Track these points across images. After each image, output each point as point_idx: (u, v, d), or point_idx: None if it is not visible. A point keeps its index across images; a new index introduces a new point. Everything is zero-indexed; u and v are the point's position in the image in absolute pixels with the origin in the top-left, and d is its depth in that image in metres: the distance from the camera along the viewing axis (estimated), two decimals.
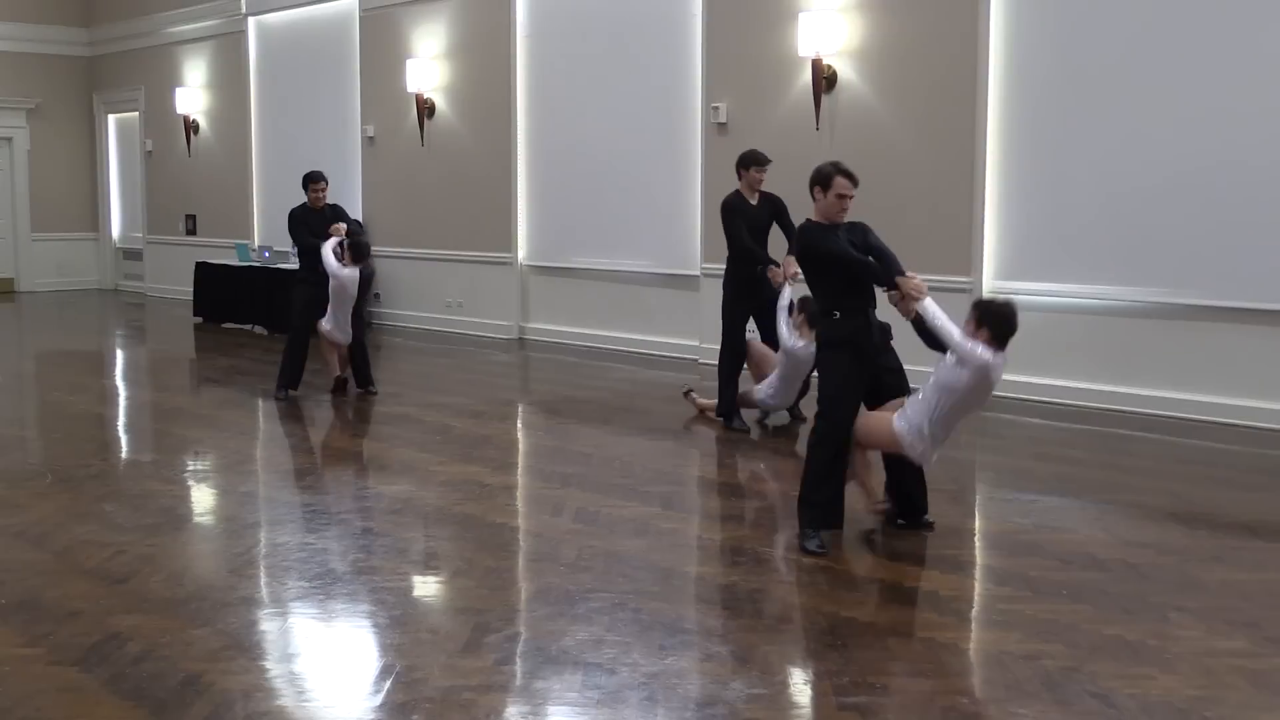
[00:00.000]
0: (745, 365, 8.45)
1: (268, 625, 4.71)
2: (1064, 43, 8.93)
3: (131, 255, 19.58)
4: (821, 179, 5.69)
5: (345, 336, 9.44)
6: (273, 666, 4.28)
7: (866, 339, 5.66)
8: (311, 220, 9.48)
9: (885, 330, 5.84)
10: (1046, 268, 8.82)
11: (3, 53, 18.66)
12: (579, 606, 4.81)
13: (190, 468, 7.57)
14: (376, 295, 14.40)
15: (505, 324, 13.18)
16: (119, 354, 13.65)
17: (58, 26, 19.23)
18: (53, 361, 12.77)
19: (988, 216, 9.31)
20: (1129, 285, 8.69)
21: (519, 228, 13.13)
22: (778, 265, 7.94)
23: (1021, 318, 5.38)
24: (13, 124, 18.95)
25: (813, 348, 6.59)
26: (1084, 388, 8.88)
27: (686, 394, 8.93)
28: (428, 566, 5.50)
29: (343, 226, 9.39)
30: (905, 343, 6.02)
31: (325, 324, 9.38)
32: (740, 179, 8.25)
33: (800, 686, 4.23)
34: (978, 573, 5.38)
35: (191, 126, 17.52)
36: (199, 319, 15.31)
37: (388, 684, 4.08)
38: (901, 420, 5.48)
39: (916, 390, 5.56)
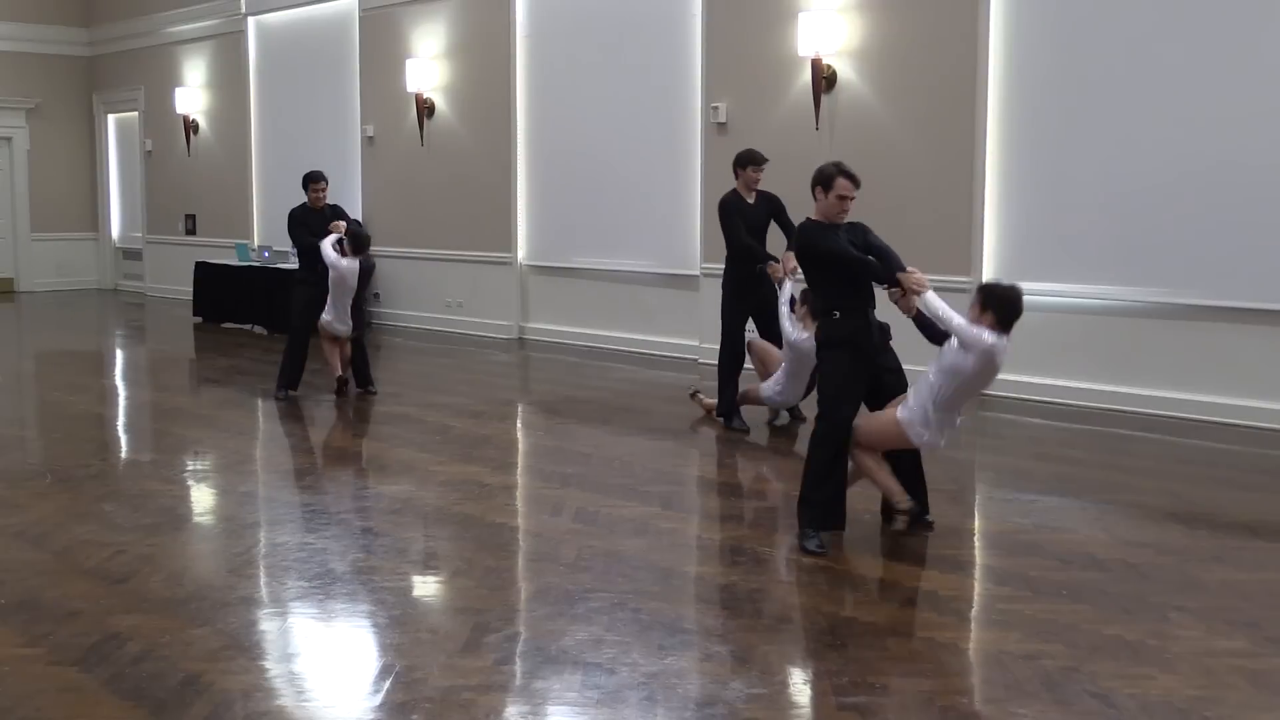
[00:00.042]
0: (751, 365, 8.44)
1: (267, 625, 4.71)
2: (1064, 42, 8.93)
3: (131, 255, 19.58)
4: (823, 179, 5.69)
5: (345, 328, 9.40)
6: (272, 666, 4.28)
7: (866, 338, 5.66)
8: (311, 220, 9.47)
9: (885, 330, 5.85)
10: (1046, 267, 8.82)
11: (2, 52, 18.66)
12: (578, 606, 4.81)
13: (190, 468, 7.57)
14: (376, 295, 14.40)
15: (505, 324, 13.18)
16: (119, 354, 13.65)
17: (57, 26, 19.23)
18: (52, 361, 12.77)
19: (987, 216, 9.31)
20: (1129, 285, 8.69)
21: (519, 227, 13.13)
22: (777, 261, 7.93)
23: (1025, 302, 5.39)
24: (12, 124, 18.95)
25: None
26: (1084, 388, 8.88)
27: (693, 395, 8.91)
28: (427, 566, 5.50)
29: (342, 225, 9.39)
30: (905, 343, 6.03)
31: (325, 315, 9.36)
32: (737, 178, 8.25)
33: (800, 686, 4.23)
34: (977, 573, 5.38)
35: (191, 126, 17.52)
36: (199, 319, 15.31)
37: (387, 684, 4.08)
38: (904, 410, 5.48)
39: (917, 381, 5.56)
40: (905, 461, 5.73)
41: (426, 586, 5.26)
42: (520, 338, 13.07)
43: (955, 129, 9.40)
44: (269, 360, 11.04)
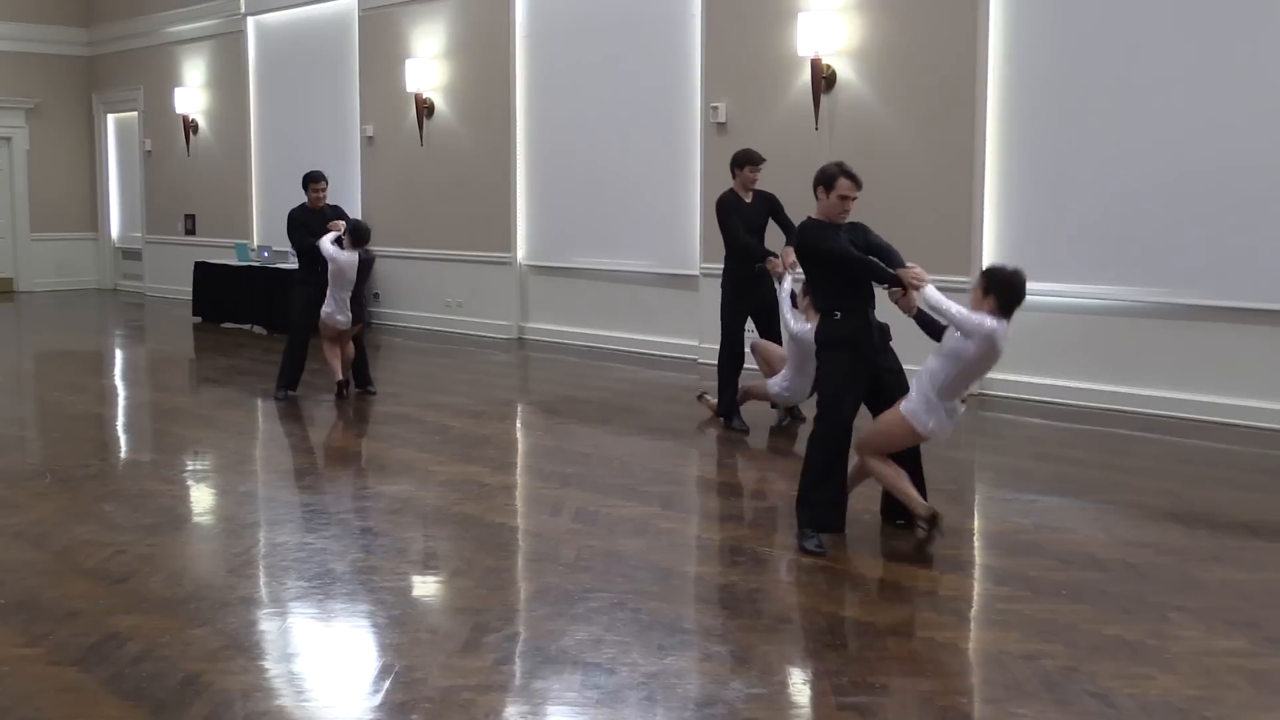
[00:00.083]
0: (755, 365, 8.42)
1: (267, 625, 4.71)
2: (1063, 43, 8.93)
3: (131, 255, 19.58)
4: (825, 179, 5.69)
5: (345, 318, 9.33)
6: (272, 666, 4.28)
7: (866, 339, 5.65)
8: (311, 221, 9.46)
9: (884, 331, 5.85)
10: (1046, 268, 8.81)
11: (2, 52, 18.66)
12: (578, 606, 4.81)
13: (189, 467, 7.57)
14: (376, 295, 14.40)
15: (505, 324, 13.18)
16: (118, 354, 13.64)
17: (57, 26, 19.23)
18: (52, 361, 12.76)
19: (987, 216, 9.31)
20: (1129, 285, 8.69)
21: (518, 227, 13.13)
22: (776, 257, 7.93)
23: (1027, 302, 5.39)
24: (12, 124, 18.95)
25: None
26: (1084, 388, 8.88)
27: (700, 397, 8.87)
28: (427, 566, 5.50)
29: (341, 224, 9.38)
30: (905, 343, 6.03)
31: (325, 308, 9.32)
32: (734, 178, 8.25)
33: (799, 686, 4.23)
34: (977, 572, 5.38)
35: (191, 126, 17.52)
36: (198, 319, 15.31)
37: (387, 684, 4.08)
38: (906, 402, 5.48)
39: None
40: (906, 463, 5.72)
41: (426, 586, 5.26)
42: (520, 338, 13.07)
43: (955, 129, 9.40)
44: (268, 360, 11.04)
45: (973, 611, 4.93)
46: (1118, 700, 3.93)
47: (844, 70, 10.06)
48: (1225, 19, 8.20)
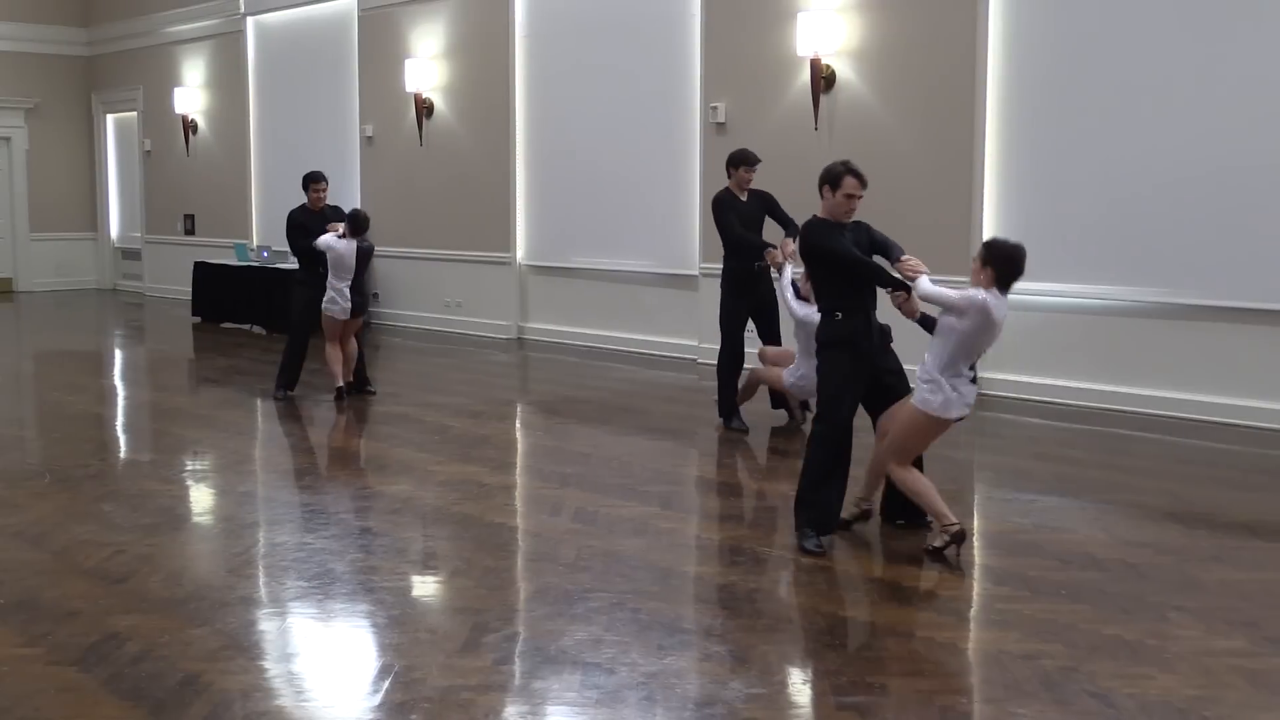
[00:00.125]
0: (762, 364, 8.40)
1: (266, 625, 4.71)
2: (1063, 43, 8.93)
3: (130, 255, 19.57)
4: (831, 178, 5.69)
5: (344, 308, 9.25)
6: (271, 666, 4.28)
7: (866, 339, 5.65)
8: (311, 222, 9.44)
9: (885, 332, 5.84)
10: (1046, 268, 8.79)
11: (2, 52, 18.65)
12: (577, 606, 4.81)
13: (189, 468, 7.56)
14: (375, 295, 14.39)
15: (504, 324, 13.18)
16: (117, 354, 13.64)
17: (56, 26, 19.22)
18: (51, 361, 12.76)
19: (986, 216, 9.31)
20: (1129, 285, 8.69)
21: (518, 227, 13.13)
22: (774, 247, 7.93)
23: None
24: (11, 124, 18.94)
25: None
26: (1084, 388, 8.88)
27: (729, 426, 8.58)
28: (426, 566, 5.50)
29: (340, 226, 9.35)
30: (906, 344, 6.03)
31: (325, 299, 9.25)
32: (730, 178, 8.26)
33: (799, 686, 4.23)
34: (976, 572, 5.38)
35: (190, 126, 17.52)
36: (197, 319, 15.31)
37: (386, 684, 4.08)
38: (916, 393, 5.45)
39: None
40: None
41: (425, 586, 5.26)
42: (519, 338, 13.06)
43: (955, 129, 9.40)
44: (268, 360, 11.04)
45: (972, 611, 4.93)
46: (1117, 700, 3.93)
47: (843, 70, 10.06)
48: (1225, 19, 8.19)
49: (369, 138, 14.59)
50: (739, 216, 8.12)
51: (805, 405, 8.33)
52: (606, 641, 4.44)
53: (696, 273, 11.24)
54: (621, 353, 11.86)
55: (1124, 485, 6.78)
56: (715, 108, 10.95)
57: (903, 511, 5.84)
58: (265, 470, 7.61)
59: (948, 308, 5.34)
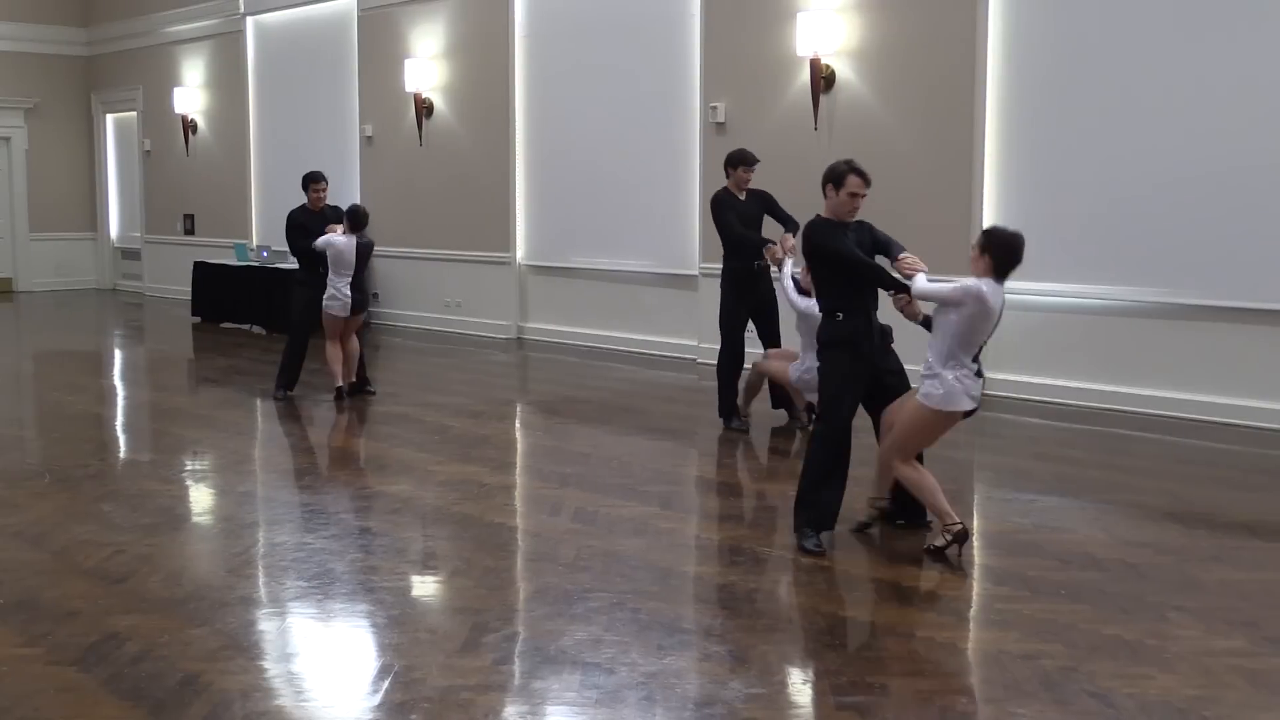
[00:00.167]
0: (765, 366, 8.39)
1: (266, 625, 4.70)
2: (1063, 43, 8.93)
3: (130, 255, 19.57)
4: (835, 177, 5.69)
5: (344, 303, 9.23)
6: (271, 666, 4.28)
7: (867, 340, 5.64)
8: (311, 223, 9.44)
9: (886, 333, 5.84)
10: (1046, 268, 8.80)
11: (1, 52, 18.65)
12: (577, 606, 4.81)
13: (188, 467, 7.56)
14: (375, 295, 14.39)
15: (504, 324, 13.18)
16: (117, 354, 13.64)
17: (56, 26, 19.22)
18: (51, 361, 12.75)
19: (986, 216, 9.29)
20: (1129, 285, 8.69)
21: (517, 227, 13.13)
22: (774, 243, 7.93)
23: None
24: (11, 124, 18.94)
25: None
26: (1084, 388, 8.88)
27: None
28: (426, 566, 5.50)
29: (339, 228, 9.35)
30: (907, 344, 6.03)
31: (325, 297, 9.23)
32: (729, 177, 8.26)
33: (798, 686, 4.23)
34: (976, 572, 5.37)
35: (190, 126, 17.52)
36: (197, 319, 15.30)
37: (386, 684, 4.08)
38: (920, 391, 5.44)
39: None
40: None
41: (425, 586, 5.26)
42: (519, 338, 13.06)
43: (954, 129, 9.40)
44: (268, 360, 11.04)
45: (972, 611, 4.93)
46: (1117, 700, 3.93)
47: (843, 70, 10.06)
48: (1225, 19, 8.19)
49: (369, 138, 14.59)
50: (738, 216, 8.12)
51: (810, 408, 8.34)
52: (606, 641, 4.44)
53: (696, 273, 11.24)
54: (621, 353, 11.86)
55: (1124, 485, 6.78)
56: (715, 108, 10.95)
57: (903, 511, 5.84)
58: (265, 470, 7.61)
59: (944, 303, 5.33)
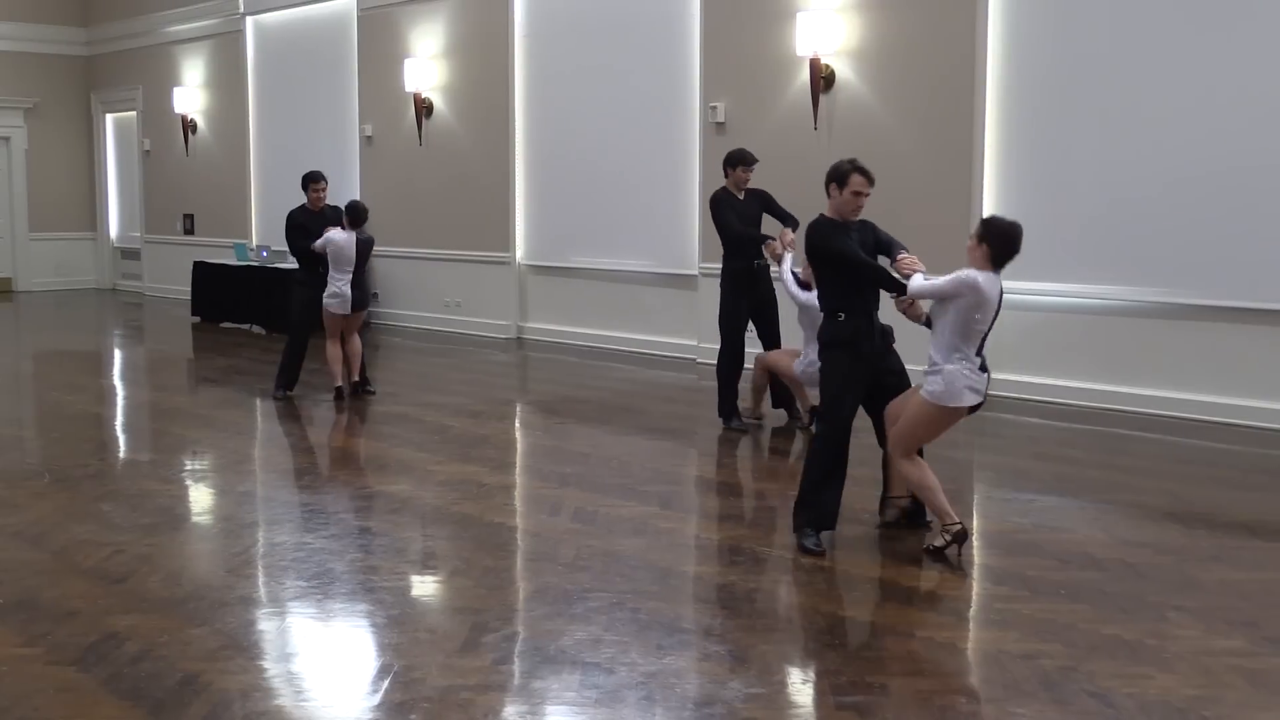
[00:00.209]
0: (767, 369, 8.39)
1: (266, 625, 4.70)
2: (1063, 43, 8.93)
3: (129, 255, 19.57)
4: (838, 176, 5.69)
5: (344, 300, 9.22)
6: (271, 666, 4.28)
7: (868, 340, 5.64)
8: (310, 223, 9.43)
9: (887, 333, 5.84)
10: (1046, 268, 8.81)
11: (1, 52, 18.64)
12: (577, 606, 4.80)
13: (188, 467, 7.56)
14: (375, 294, 14.39)
15: (503, 324, 13.18)
16: (117, 354, 13.64)
17: (56, 26, 19.22)
18: (51, 361, 12.75)
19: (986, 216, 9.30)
20: (1129, 285, 8.69)
21: (517, 227, 13.13)
22: (773, 239, 7.93)
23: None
24: (10, 123, 18.94)
25: None
26: (1084, 388, 8.88)
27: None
28: (426, 566, 5.50)
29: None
30: (908, 345, 6.03)
31: (325, 294, 9.22)
32: (727, 177, 8.26)
33: (798, 686, 4.23)
34: (976, 572, 5.37)
35: (189, 126, 17.52)
36: (197, 319, 15.30)
37: (386, 683, 4.08)
38: (924, 388, 5.43)
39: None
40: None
41: (425, 586, 5.26)
42: (519, 337, 13.06)
43: (954, 129, 9.40)
44: (267, 360, 11.04)
45: (971, 611, 4.93)
46: (1116, 700, 3.93)
47: (843, 70, 10.06)
48: (1225, 19, 8.19)
49: (368, 137, 14.59)
50: (737, 215, 8.13)
51: (812, 410, 8.33)
52: (606, 641, 4.44)
53: (696, 272, 11.24)
54: (621, 353, 11.86)
55: (1124, 485, 6.78)
56: (715, 108, 10.95)
57: (902, 512, 5.84)
58: (265, 470, 7.61)
59: (941, 297, 5.33)
